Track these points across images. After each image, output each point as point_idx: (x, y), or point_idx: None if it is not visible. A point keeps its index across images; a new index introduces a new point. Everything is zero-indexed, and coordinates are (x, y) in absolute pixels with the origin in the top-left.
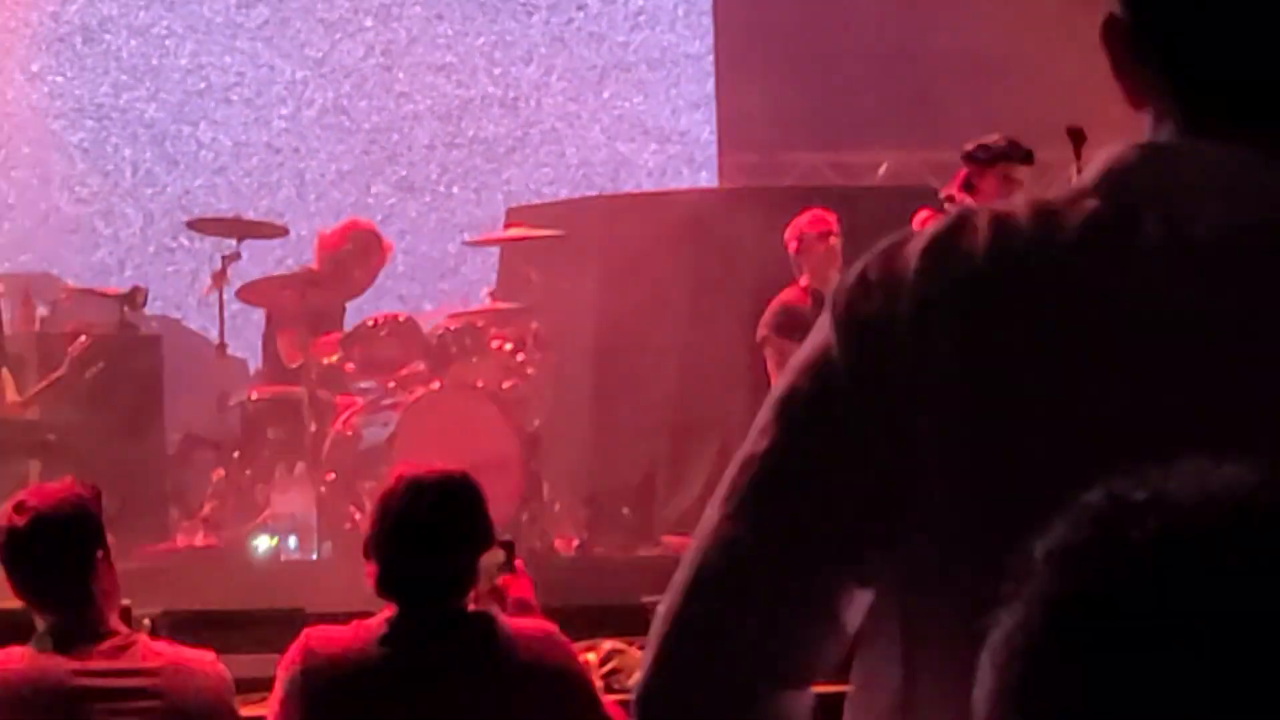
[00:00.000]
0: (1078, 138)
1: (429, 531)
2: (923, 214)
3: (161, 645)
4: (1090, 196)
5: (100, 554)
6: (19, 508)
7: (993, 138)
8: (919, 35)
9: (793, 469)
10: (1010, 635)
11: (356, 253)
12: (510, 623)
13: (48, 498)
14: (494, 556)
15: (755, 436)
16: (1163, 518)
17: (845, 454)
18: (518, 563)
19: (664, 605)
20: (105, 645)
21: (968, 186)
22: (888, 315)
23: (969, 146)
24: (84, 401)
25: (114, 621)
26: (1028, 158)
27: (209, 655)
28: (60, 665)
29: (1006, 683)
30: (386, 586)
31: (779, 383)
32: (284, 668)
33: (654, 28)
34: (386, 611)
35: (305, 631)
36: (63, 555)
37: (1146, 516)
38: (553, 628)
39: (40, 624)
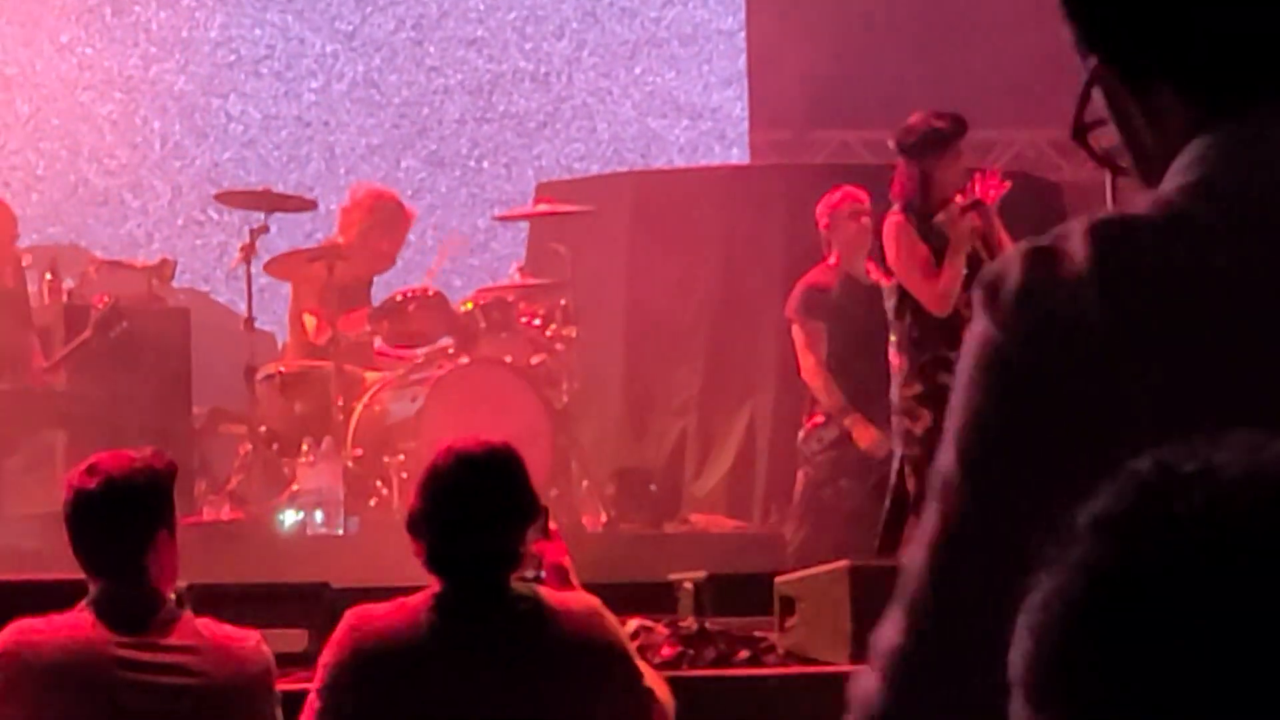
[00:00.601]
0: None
1: (482, 505)
2: (893, 216)
3: (205, 623)
4: (1198, 196)
5: (164, 529)
6: (92, 469)
7: (921, 122)
8: (952, 12)
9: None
10: (1048, 600)
11: (381, 223)
12: (554, 597)
13: (122, 464)
14: None
15: (947, 477)
16: (1209, 491)
17: (1057, 456)
18: (552, 528)
19: (895, 632)
20: (152, 620)
21: (925, 180)
22: (1073, 315)
23: (909, 140)
24: (111, 373)
25: (164, 598)
26: (966, 127)
27: (253, 635)
28: (106, 635)
29: (1042, 647)
30: (437, 563)
31: (957, 404)
32: (331, 652)
33: (686, 3)
34: (431, 587)
35: (349, 615)
36: (126, 523)
37: (1193, 489)
38: (596, 602)
39: (92, 589)
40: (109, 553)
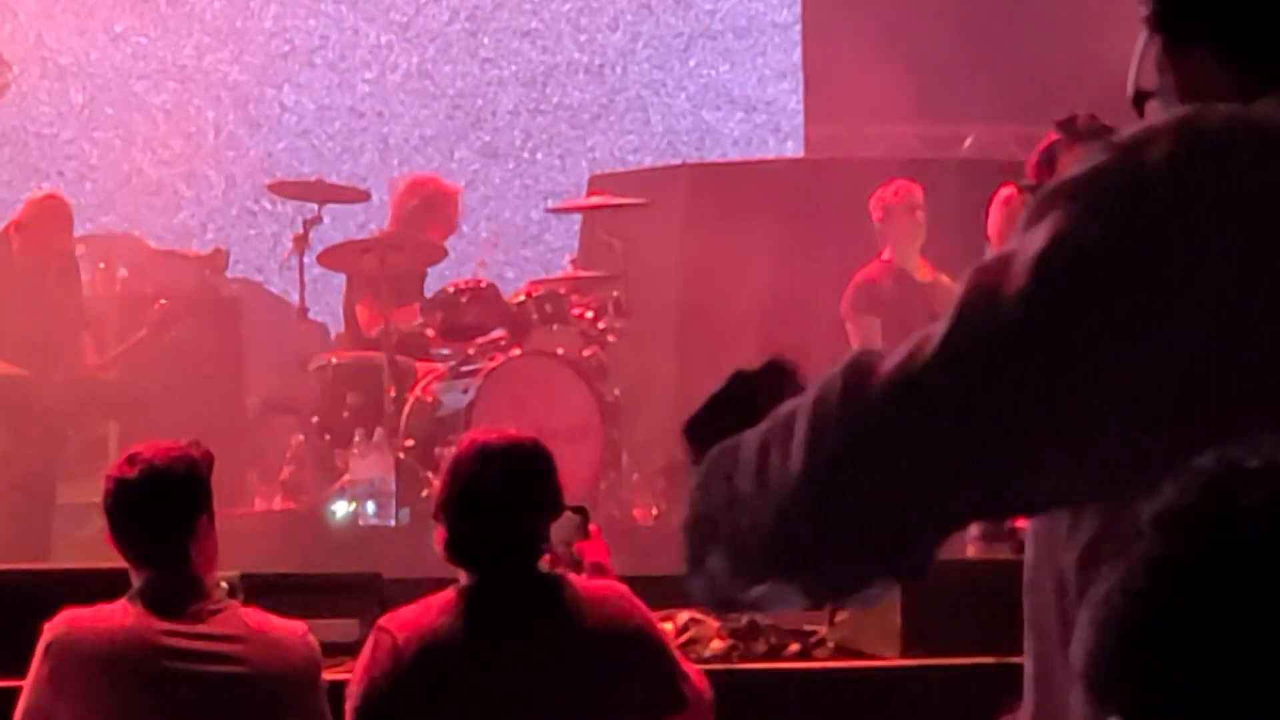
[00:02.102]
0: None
1: (497, 496)
2: (1005, 190)
3: (253, 613)
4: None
5: (204, 517)
6: (131, 459)
7: (1086, 115)
8: (1011, 6)
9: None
10: (1111, 593)
11: (423, 207)
12: (582, 584)
13: (161, 453)
14: (569, 522)
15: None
16: (1273, 486)
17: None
18: (593, 528)
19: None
20: (198, 608)
21: (1047, 161)
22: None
23: (1064, 118)
24: (164, 363)
25: (209, 586)
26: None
27: (300, 626)
28: (152, 623)
29: (1105, 639)
30: (454, 551)
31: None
32: (362, 674)
33: None
34: (457, 582)
35: (383, 625)
36: (168, 512)
37: (1257, 484)
38: (622, 587)
39: (136, 580)
40: (153, 540)
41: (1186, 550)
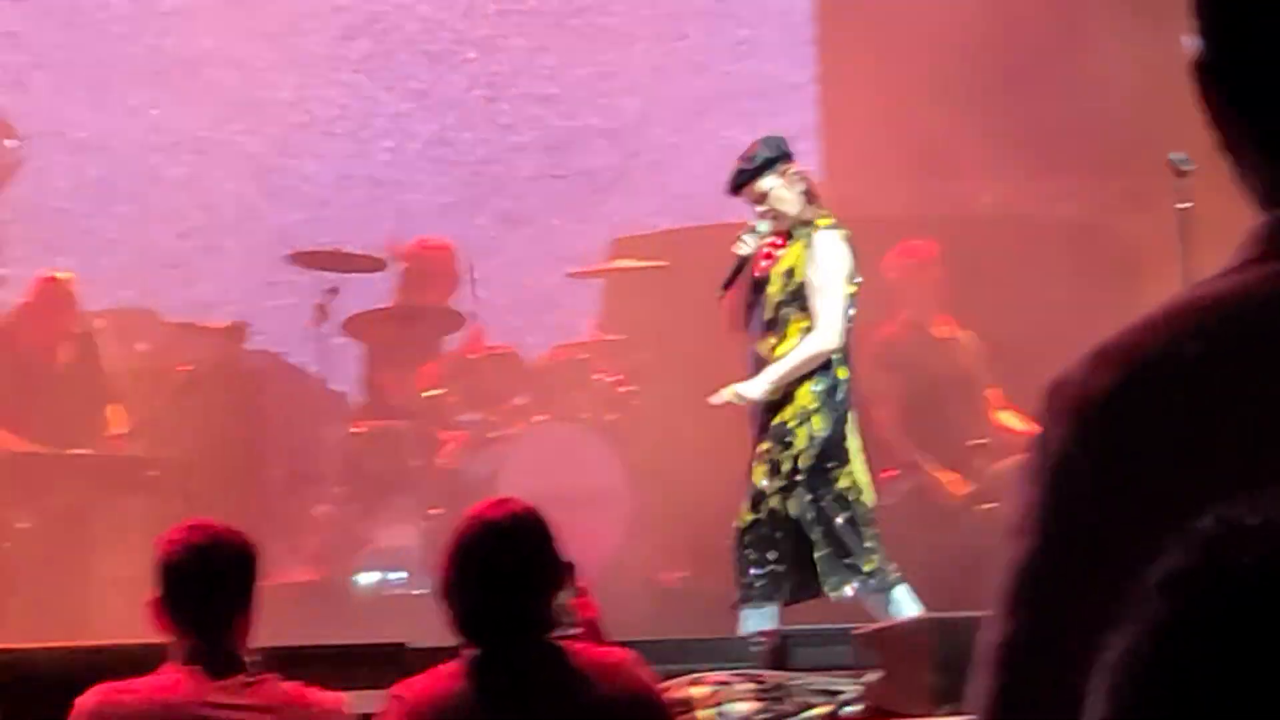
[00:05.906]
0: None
1: (502, 571)
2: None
3: (290, 685)
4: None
5: (252, 596)
6: (195, 527)
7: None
8: (1026, 62)
9: None
10: (1121, 661)
11: (414, 270)
12: (589, 652)
13: (221, 526)
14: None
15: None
16: (1274, 543)
17: None
18: (582, 585)
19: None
20: (237, 679)
21: None
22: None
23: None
24: (187, 437)
25: (247, 658)
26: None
27: (339, 698)
28: (194, 690)
29: (1117, 708)
30: (464, 628)
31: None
32: None
33: (757, 58)
34: (466, 653)
35: (397, 692)
36: (227, 582)
37: (1257, 541)
38: (629, 654)
39: (177, 650)
40: (208, 609)
41: (1191, 610)
